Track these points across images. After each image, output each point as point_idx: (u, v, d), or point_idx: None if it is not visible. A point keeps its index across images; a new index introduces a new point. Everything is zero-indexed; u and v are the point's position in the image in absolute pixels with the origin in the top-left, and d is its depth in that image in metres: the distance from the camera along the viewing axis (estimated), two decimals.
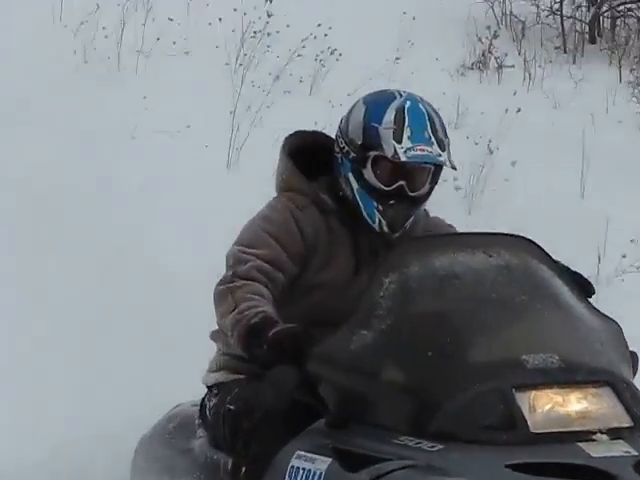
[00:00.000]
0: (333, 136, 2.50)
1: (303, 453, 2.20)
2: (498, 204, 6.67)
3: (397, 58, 8.41)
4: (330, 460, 2.12)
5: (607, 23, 10.22)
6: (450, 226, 2.72)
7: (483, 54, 9.17)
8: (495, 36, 9.29)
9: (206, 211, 5.70)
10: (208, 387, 2.57)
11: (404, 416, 2.06)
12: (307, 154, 2.51)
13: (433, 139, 2.34)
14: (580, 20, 9.99)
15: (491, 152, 6.96)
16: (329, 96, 7.50)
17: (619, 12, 10.05)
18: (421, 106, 2.39)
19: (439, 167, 2.42)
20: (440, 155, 2.34)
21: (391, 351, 2.11)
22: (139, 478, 2.83)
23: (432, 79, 8.25)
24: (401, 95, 2.41)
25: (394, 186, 2.35)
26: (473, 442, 1.93)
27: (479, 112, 7.83)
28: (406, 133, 2.32)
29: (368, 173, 2.36)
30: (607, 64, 9.61)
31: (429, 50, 8.86)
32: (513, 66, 9.16)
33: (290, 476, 2.22)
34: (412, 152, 2.30)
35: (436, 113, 2.42)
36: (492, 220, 5.86)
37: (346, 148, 2.40)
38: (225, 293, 2.28)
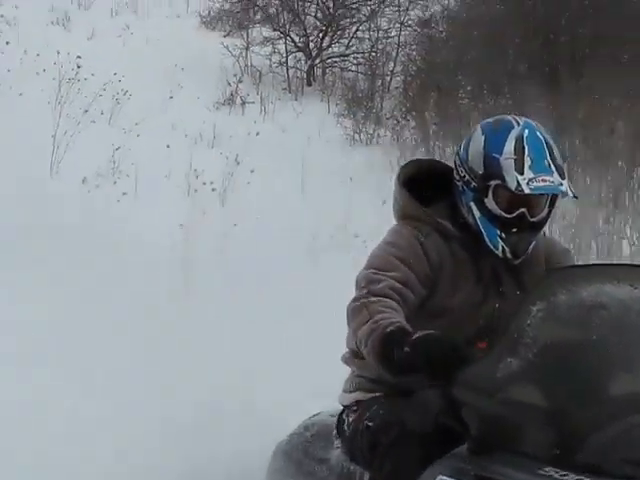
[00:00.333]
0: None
1: (446, 478, 2.09)
2: (242, 199, 8.05)
3: (171, 97, 10.29)
4: None
5: (319, 72, 12.25)
6: (567, 250, 2.63)
7: (232, 94, 10.92)
8: (240, 81, 11.13)
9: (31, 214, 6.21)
10: (344, 405, 2.48)
11: (548, 445, 1.91)
12: (422, 181, 2.39)
13: (553, 167, 2.21)
14: (300, 69, 12.04)
15: (238, 163, 8.53)
16: (123, 125, 9.24)
17: (327, 64, 12.29)
18: (538, 134, 2.26)
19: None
20: (561, 184, 2.22)
21: (537, 380, 2.00)
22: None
23: (196, 112, 10.22)
24: (518, 123, 2.27)
25: (515, 214, 2.24)
26: (621, 477, 1.79)
27: (229, 135, 9.64)
28: (527, 163, 2.21)
29: (490, 202, 2.26)
30: (319, 101, 11.59)
31: (193, 91, 10.67)
32: (253, 102, 10.99)
33: None
34: (534, 183, 2.19)
35: (552, 140, 2.30)
36: (238, 210, 7.54)
37: (467, 177, 2.30)
38: (359, 308, 2.18)
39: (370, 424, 2.27)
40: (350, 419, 2.40)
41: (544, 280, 2.13)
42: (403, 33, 12.26)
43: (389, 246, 2.30)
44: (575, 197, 2.27)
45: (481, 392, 1.95)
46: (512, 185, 2.15)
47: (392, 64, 12.15)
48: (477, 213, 2.27)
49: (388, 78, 12.05)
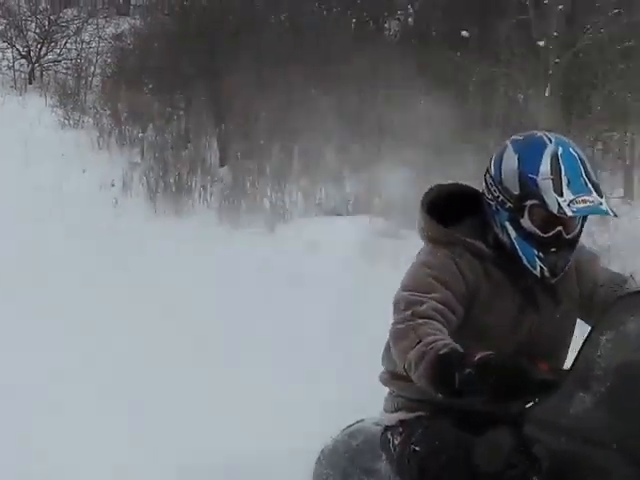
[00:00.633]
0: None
1: None
2: None
3: None
4: None
5: (38, 74, 15.31)
6: (594, 256, 2.40)
7: None
8: None
9: None
10: (388, 426, 2.35)
11: None
12: (443, 205, 2.24)
13: (590, 186, 2.07)
14: (23, 72, 15.24)
15: None
16: None
17: (44, 68, 15.30)
18: (572, 151, 2.12)
19: None
20: (601, 204, 2.08)
21: (612, 415, 1.84)
22: None
23: None
24: (550, 140, 2.12)
25: (552, 233, 2.10)
26: None
27: None
28: (564, 183, 2.06)
29: (526, 222, 2.13)
30: (39, 96, 14.21)
31: None
32: None
33: None
34: (576, 205, 2.05)
35: (585, 155, 2.17)
36: None
37: (501, 197, 2.16)
38: (406, 330, 2.02)
39: (417, 448, 2.17)
40: (396, 440, 2.27)
41: (612, 308, 1.95)
42: (101, 45, 15.66)
43: (424, 267, 2.17)
44: (615, 216, 2.13)
45: (554, 429, 1.85)
46: (554, 208, 2.04)
47: (93, 68, 15.33)
48: (513, 233, 2.14)
49: (90, 78, 15.20)
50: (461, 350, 1.91)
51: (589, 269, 2.29)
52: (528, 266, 2.15)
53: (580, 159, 2.09)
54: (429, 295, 2.08)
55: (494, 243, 2.19)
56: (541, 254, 2.12)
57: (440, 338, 1.96)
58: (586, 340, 1.91)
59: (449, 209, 2.23)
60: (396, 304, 2.12)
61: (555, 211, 2.03)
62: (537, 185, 2.07)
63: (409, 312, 2.06)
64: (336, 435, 2.80)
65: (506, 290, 2.18)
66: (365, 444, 2.65)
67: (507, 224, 2.16)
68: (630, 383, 1.87)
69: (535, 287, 2.20)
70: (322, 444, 2.85)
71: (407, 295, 2.11)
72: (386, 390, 2.40)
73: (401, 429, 2.28)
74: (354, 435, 2.74)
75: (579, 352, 1.90)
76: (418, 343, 1.96)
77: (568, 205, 2.03)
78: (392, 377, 2.31)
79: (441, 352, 1.90)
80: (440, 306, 2.07)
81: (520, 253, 2.15)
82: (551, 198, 2.04)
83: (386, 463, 2.42)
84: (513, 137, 2.22)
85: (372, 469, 2.57)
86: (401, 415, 2.31)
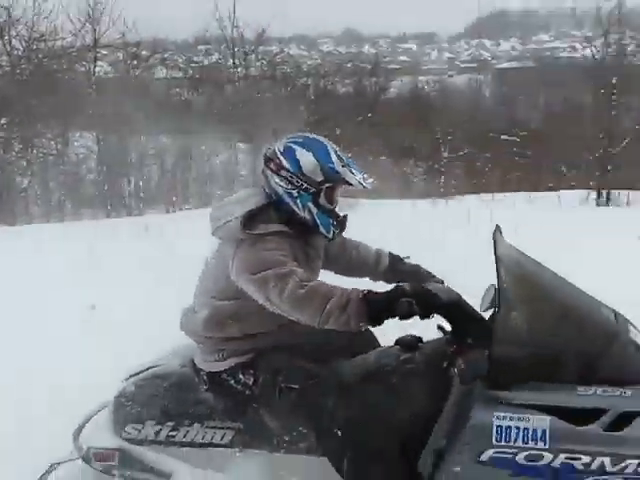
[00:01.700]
0: None
1: (501, 414, 2.45)
2: None
3: None
4: (547, 417, 2.40)
5: None
6: None
7: None
8: None
9: None
10: (223, 370, 2.85)
11: (574, 372, 2.45)
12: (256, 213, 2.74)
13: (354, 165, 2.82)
14: None
15: None
16: None
17: None
18: (334, 146, 2.84)
19: None
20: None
21: (548, 324, 2.53)
22: None
23: None
24: (321, 140, 2.82)
25: (334, 205, 2.84)
26: (635, 383, 2.39)
27: None
28: (349, 167, 2.77)
29: (322, 200, 2.78)
30: None
31: None
32: None
33: (500, 433, 2.44)
34: (366, 181, 2.80)
35: None
36: None
37: (304, 185, 2.75)
38: (308, 294, 2.46)
39: (293, 386, 2.71)
40: (247, 378, 2.81)
41: (496, 253, 2.48)
42: None
43: (264, 250, 2.62)
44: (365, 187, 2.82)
45: (515, 343, 2.48)
46: (358, 185, 2.75)
47: None
48: (314, 210, 2.78)
49: None
50: (366, 290, 2.45)
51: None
52: (324, 231, 2.81)
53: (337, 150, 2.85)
54: (288, 266, 2.55)
55: (289, 222, 2.75)
56: (334, 222, 2.81)
57: (338, 287, 2.47)
58: (498, 282, 2.45)
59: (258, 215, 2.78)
60: (263, 283, 2.51)
61: (360, 187, 2.76)
62: (338, 172, 2.73)
63: (291, 282, 2.48)
64: (130, 379, 3.11)
65: (304, 249, 2.82)
66: (180, 381, 3.03)
67: (309, 204, 2.77)
68: (536, 291, 2.60)
69: (321, 244, 2.96)
70: (114, 391, 3.13)
71: (270, 273, 2.52)
72: (195, 346, 2.94)
73: (251, 370, 2.80)
74: (159, 377, 3.08)
75: (498, 287, 2.45)
76: (330, 298, 2.42)
77: (363, 180, 2.77)
78: (221, 337, 2.82)
79: (360, 295, 2.41)
80: (301, 270, 2.58)
81: (319, 223, 2.79)
82: (352, 179, 2.74)
83: (216, 396, 2.91)
84: (289, 141, 2.79)
85: (197, 400, 2.98)
86: (234, 360, 2.82)
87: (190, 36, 25.29)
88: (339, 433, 2.69)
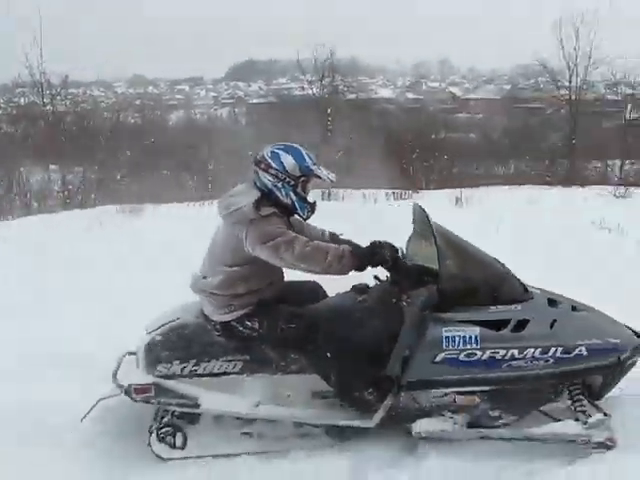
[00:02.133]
0: None
1: (449, 328, 3.48)
2: None
3: None
4: (476, 328, 3.46)
5: None
6: None
7: None
8: None
9: None
10: (232, 320, 3.66)
11: (487, 296, 3.57)
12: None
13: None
14: None
15: None
16: None
17: None
18: (307, 150, 3.70)
19: None
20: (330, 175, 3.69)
21: (468, 263, 3.64)
22: None
23: None
24: (296, 146, 3.70)
25: (307, 194, 3.68)
26: (520, 301, 3.63)
27: None
28: (319, 166, 3.64)
29: (299, 190, 3.61)
30: None
31: None
32: None
33: (448, 341, 3.47)
34: (331, 175, 3.65)
35: None
36: None
37: (287, 179, 3.59)
38: (313, 250, 3.41)
39: (292, 325, 3.58)
40: (254, 324, 3.61)
41: (430, 222, 3.56)
42: None
43: (269, 224, 3.47)
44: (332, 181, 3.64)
45: (452, 281, 3.48)
46: (326, 179, 3.57)
47: None
48: (294, 197, 3.59)
49: None
50: (352, 247, 3.59)
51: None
52: (301, 213, 3.71)
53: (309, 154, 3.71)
54: (291, 233, 3.51)
55: (275, 204, 3.61)
56: (308, 206, 3.70)
57: (332, 245, 3.54)
58: (435, 243, 3.50)
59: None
60: (276, 249, 3.44)
61: (328, 180, 3.63)
62: (312, 169, 3.65)
63: (298, 243, 3.44)
64: (155, 332, 3.74)
65: (288, 226, 3.68)
66: (197, 329, 3.71)
67: (291, 193, 3.65)
68: (457, 246, 3.72)
69: (293, 222, 3.86)
70: (140, 340, 3.75)
71: (279, 240, 3.45)
72: (208, 301, 3.72)
73: (255, 318, 3.62)
74: (180, 327, 3.73)
75: (436, 246, 3.47)
76: (328, 252, 3.43)
77: (330, 175, 3.66)
78: (231, 294, 3.62)
79: (350, 249, 3.51)
80: (298, 236, 3.54)
81: (298, 207, 3.68)
82: (322, 174, 3.64)
83: (227, 339, 3.67)
84: (275, 147, 3.70)
85: (212, 342, 3.67)
86: (240, 312, 3.62)
87: (9, 81, 27.83)
88: (328, 355, 3.52)
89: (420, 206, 3.90)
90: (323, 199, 16.80)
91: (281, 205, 3.64)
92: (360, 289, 3.94)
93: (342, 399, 3.67)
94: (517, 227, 9.41)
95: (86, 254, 8.40)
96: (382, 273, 3.99)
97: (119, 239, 9.80)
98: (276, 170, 3.63)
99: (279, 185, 3.64)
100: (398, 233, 4.19)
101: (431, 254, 3.69)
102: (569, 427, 3.63)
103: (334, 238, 4.05)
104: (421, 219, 3.82)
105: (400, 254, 3.70)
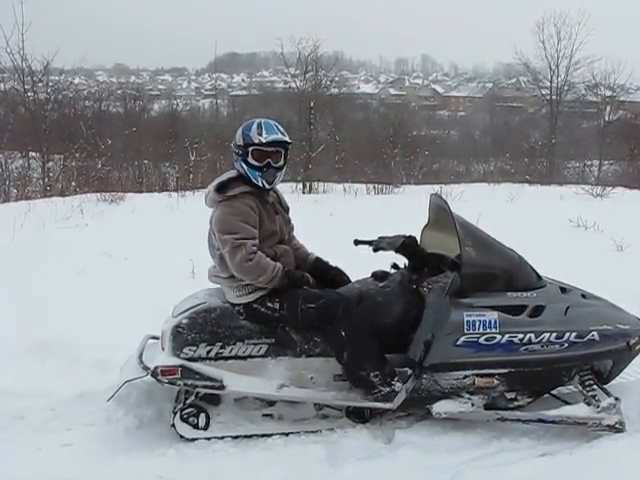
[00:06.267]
0: None
1: (470, 312, 3.61)
2: None
3: None
4: (495, 313, 3.62)
5: None
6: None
7: None
8: None
9: None
10: (250, 302, 3.76)
11: (504, 283, 3.72)
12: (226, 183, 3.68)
13: (279, 131, 3.68)
14: None
15: None
16: None
17: None
18: (270, 120, 3.71)
19: (287, 149, 3.71)
20: (284, 136, 3.69)
21: (487, 252, 3.75)
22: None
23: None
24: (264, 119, 3.73)
25: (264, 162, 3.66)
26: (535, 288, 3.79)
27: None
28: (263, 131, 3.64)
29: (251, 160, 3.65)
30: None
31: None
32: None
33: (469, 325, 3.60)
34: (268, 138, 3.63)
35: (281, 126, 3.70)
36: None
37: (239, 151, 3.66)
38: (254, 265, 3.53)
39: (310, 305, 3.65)
40: (275, 304, 3.69)
41: (451, 211, 3.68)
42: None
43: (231, 215, 3.55)
44: (290, 143, 3.66)
45: (473, 268, 3.63)
46: (257, 141, 3.61)
47: None
48: (246, 167, 3.65)
49: None
50: (289, 269, 3.73)
51: (284, 197, 4.17)
52: (255, 181, 3.71)
53: (275, 125, 3.71)
54: (246, 235, 3.57)
55: (249, 185, 3.70)
56: (259, 174, 3.71)
57: (271, 264, 3.63)
58: (456, 230, 3.62)
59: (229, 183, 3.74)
60: (224, 244, 3.59)
61: (257, 142, 3.64)
62: (250, 136, 3.67)
63: (239, 255, 3.52)
64: (182, 315, 3.80)
65: (263, 206, 3.75)
66: (223, 313, 3.80)
67: (242, 164, 3.71)
68: (476, 235, 3.83)
69: (270, 200, 3.87)
70: (165, 323, 3.84)
71: (229, 239, 3.53)
72: (228, 287, 3.83)
73: (277, 299, 3.71)
74: (206, 311, 3.80)
75: (459, 229, 3.62)
76: (264, 273, 3.60)
77: (265, 138, 3.66)
78: (245, 282, 3.74)
79: (284, 272, 3.67)
80: (253, 241, 3.58)
81: (250, 176, 3.71)
82: (256, 138, 3.66)
83: (251, 321, 3.77)
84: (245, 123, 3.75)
85: (238, 325, 3.77)
86: (259, 293, 3.74)
87: None
88: (343, 334, 3.59)
89: (439, 195, 4.04)
90: (304, 192, 17.61)
91: (251, 183, 3.73)
92: (380, 276, 4.03)
93: (348, 377, 3.76)
94: (496, 224, 9.44)
95: (64, 241, 8.67)
96: (400, 260, 4.12)
97: (99, 227, 10.02)
98: (234, 145, 3.76)
99: (235, 157, 3.75)
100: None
101: (446, 243, 3.84)
102: (581, 410, 3.78)
103: (318, 264, 4.11)
104: (439, 208, 3.92)
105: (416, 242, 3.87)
